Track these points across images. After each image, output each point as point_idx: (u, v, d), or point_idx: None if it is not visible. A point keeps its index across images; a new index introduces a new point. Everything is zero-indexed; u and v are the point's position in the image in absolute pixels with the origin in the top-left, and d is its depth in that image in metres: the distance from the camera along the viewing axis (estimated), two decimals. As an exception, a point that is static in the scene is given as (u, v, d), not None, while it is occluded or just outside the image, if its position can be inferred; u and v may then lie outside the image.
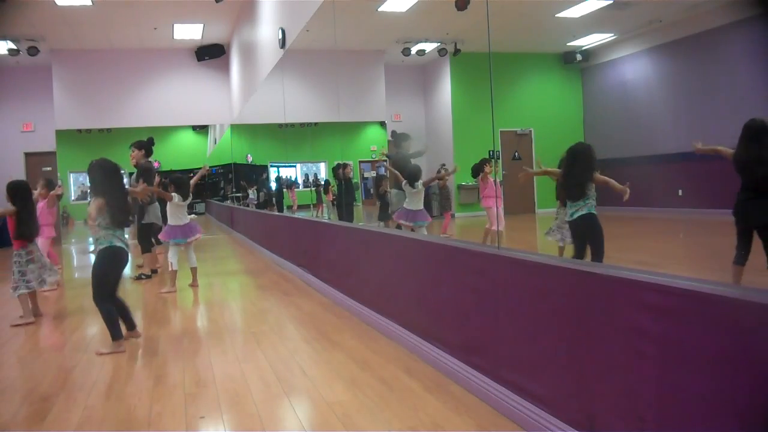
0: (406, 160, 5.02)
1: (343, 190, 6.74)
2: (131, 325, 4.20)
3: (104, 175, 3.97)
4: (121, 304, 4.13)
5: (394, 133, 4.99)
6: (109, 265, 3.99)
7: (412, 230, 4.81)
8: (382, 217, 5.59)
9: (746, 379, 1.56)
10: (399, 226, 4.92)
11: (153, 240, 7.29)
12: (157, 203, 7.13)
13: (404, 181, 4.89)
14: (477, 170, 5.20)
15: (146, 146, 7.03)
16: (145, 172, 6.67)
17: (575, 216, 3.29)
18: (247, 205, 12.55)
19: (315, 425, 2.63)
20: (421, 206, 4.80)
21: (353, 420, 2.62)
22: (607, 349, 2.03)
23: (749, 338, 1.57)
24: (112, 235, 3.95)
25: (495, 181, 5.09)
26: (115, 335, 3.95)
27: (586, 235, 3.30)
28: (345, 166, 6.87)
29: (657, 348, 1.82)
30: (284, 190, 10.48)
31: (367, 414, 2.68)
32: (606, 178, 3.27)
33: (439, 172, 5.06)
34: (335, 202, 8.14)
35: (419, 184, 4.82)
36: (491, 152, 6.32)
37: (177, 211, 6.13)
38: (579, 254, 3.31)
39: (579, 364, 2.17)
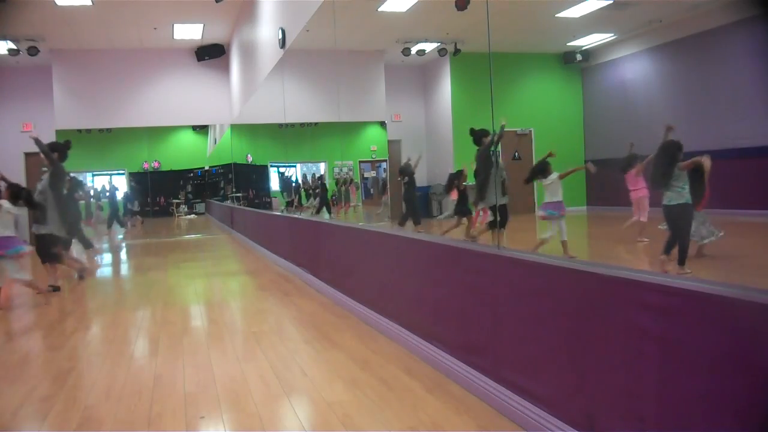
0: (484, 156, 5.00)
1: (406, 188, 6.68)
2: None
3: None
4: None
5: (471, 130, 4.97)
6: None
7: (543, 219, 4.77)
8: (459, 211, 5.57)
9: (746, 379, 1.56)
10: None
11: (55, 251, 6.57)
12: (54, 211, 6.40)
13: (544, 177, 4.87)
14: (627, 165, 5.21)
15: (61, 149, 6.63)
16: (53, 176, 6.29)
17: (672, 203, 3.76)
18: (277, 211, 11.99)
19: (315, 425, 2.63)
20: (560, 197, 4.80)
21: (353, 420, 2.62)
22: (607, 349, 2.03)
23: (749, 338, 1.57)
24: None
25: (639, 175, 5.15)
26: None
27: (677, 221, 3.78)
28: (409, 164, 6.81)
29: (657, 348, 1.82)
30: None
31: (367, 414, 2.68)
32: (697, 161, 3.76)
33: (544, 168, 4.99)
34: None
35: (553, 176, 4.78)
36: (491, 152, 6.32)
37: (3, 219, 5.58)
38: (673, 237, 3.79)
39: (579, 364, 2.17)
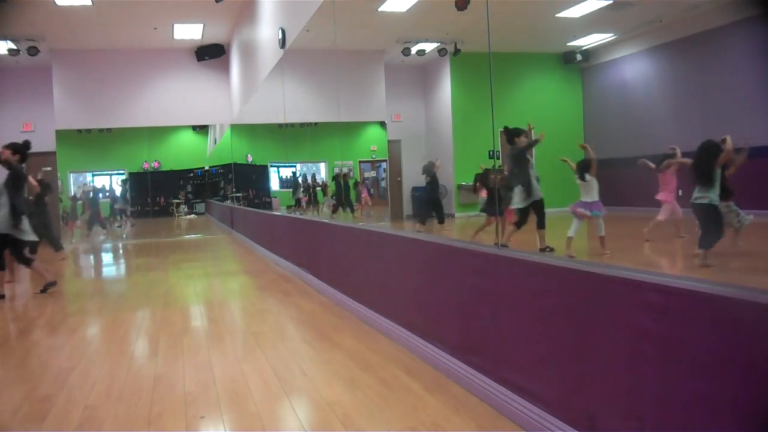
0: (521, 155, 4.99)
1: (429, 187, 6.69)
2: None
3: None
4: None
5: (506, 129, 4.95)
6: None
7: (583, 218, 4.78)
8: (487, 210, 5.57)
9: (746, 379, 1.56)
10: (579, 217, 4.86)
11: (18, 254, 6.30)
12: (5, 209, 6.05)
13: (576, 176, 4.87)
14: (663, 165, 5.21)
15: (21, 150, 6.42)
16: (11, 178, 6.10)
17: (696, 202, 3.93)
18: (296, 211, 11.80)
19: (315, 425, 2.63)
20: (597, 197, 4.82)
21: (353, 420, 2.62)
22: (607, 349, 2.03)
23: (749, 338, 1.57)
24: None
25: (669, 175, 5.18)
26: None
27: (705, 221, 3.97)
28: (433, 164, 6.81)
29: (657, 348, 1.82)
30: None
31: (367, 414, 2.68)
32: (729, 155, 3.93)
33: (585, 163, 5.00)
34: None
35: (588, 175, 4.78)
36: (491, 152, 6.32)
37: None
38: (705, 233, 3.98)
39: (579, 364, 2.17)
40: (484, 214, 5.68)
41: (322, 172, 9.84)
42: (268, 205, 10.97)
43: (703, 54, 5.56)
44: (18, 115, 13.22)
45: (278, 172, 11.11)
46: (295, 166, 10.58)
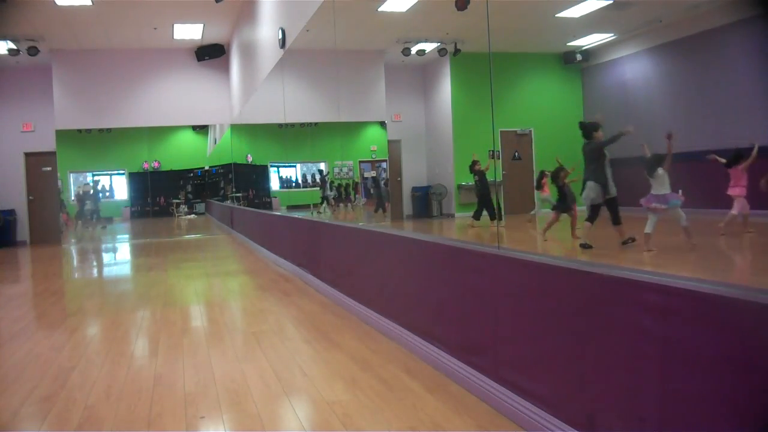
0: (599, 151, 4.97)
1: (480, 184, 6.73)
2: None
3: None
4: None
5: (583, 123, 4.93)
6: None
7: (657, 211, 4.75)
8: (560, 208, 5.61)
9: (746, 379, 1.56)
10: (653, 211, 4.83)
11: None
12: None
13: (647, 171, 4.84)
14: (734, 161, 5.19)
15: None
16: None
17: None
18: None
19: (315, 425, 2.63)
20: (669, 189, 4.78)
21: (353, 420, 2.62)
22: (607, 349, 2.03)
23: (749, 338, 1.57)
24: None
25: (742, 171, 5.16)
26: None
27: None
28: (475, 162, 6.85)
29: (657, 348, 1.82)
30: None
31: (367, 414, 2.68)
32: None
33: (665, 160, 4.98)
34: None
35: (659, 170, 4.76)
36: (491, 152, 6.32)
37: None
38: None
39: (579, 364, 2.17)
40: (554, 210, 5.72)
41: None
42: (268, 205, 10.96)
43: (704, 54, 5.56)
44: (18, 115, 13.23)
45: (278, 172, 11.10)
46: (294, 166, 10.56)
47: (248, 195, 13.09)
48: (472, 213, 6.70)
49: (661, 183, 4.77)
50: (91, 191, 16.09)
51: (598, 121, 5.01)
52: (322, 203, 9.60)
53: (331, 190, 9.61)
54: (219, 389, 3.10)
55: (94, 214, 16.15)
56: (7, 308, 5.62)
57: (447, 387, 2.96)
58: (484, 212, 6.57)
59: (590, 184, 4.90)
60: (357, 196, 9.20)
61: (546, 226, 5.67)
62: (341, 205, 9.47)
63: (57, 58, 12.94)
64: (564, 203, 5.50)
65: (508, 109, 7.58)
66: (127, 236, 14.97)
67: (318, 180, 10.00)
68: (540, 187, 6.64)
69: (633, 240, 4.74)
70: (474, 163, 6.81)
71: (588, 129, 4.93)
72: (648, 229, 4.72)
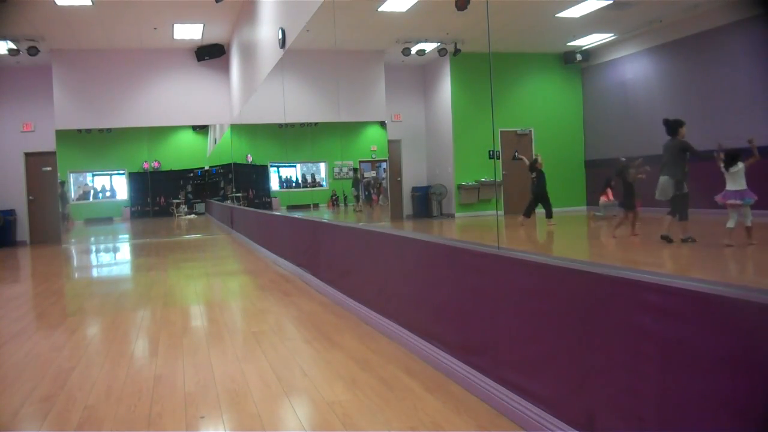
0: (681, 148, 4.97)
1: (536, 182, 6.84)
2: None
3: None
4: None
5: (667, 120, 4.94)
6: None
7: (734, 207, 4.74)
8: (626, 205, 5.61)
9: (746, 379, 1.56)
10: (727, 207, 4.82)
11: None
12: None
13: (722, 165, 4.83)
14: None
15: None
16: None
17: None
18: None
19: (315, 425, 2.63)
20: (745, 185, 4.78)
21: (353, 420, 2.62)
22: (607, 348, 2.03)
23: (749, 338, 1.57)
24: None
25: None
26: None
27: None
28: (536, 160, 6.95)
29: (657, 348, 1.82)
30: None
31: (367, 414, 2.68)
32: None
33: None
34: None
35: (740, 164, 4.75)
36: (491, 152, 6.32)
37: None
38: None
39: (579, 364, 2.17)
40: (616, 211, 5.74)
41: (322, 172, 9.79)
42: (268, 205, 10.96)
43: (704, 54, 5.56)
44: (18, 115, 13.23)
45: (278, 172, 11.10)
46: (294, 166, 10.55)
47: (248, 195, 13.09)
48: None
49: (736, 179, 4.75)
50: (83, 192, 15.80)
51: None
52: (357, 201, 9.57)
53: (359, 190, 9.59)
54: (219, 389, 3.10)
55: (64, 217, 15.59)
56: (7, 308, 5.62)
57: (447, 387, 2.96)
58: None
59: (664, 179, 4.90)
60: (381, 196, 9.20)
61: (615, 225, 5.66)
62: (370, 204, 9.47)
63: (57, 58, 12.94)
64: (630, 200, 5.50)
65: (508, 109, 7.58)
66: (127, 236, 14.96)
67: (352, 178, 9.93)
68: (611, 186, 6.60)
69: (693, 240, 4.75)
70: (535, 160, 6.93)
71: (673, 126, 4.92)
72: (730, 224, 4.71)
